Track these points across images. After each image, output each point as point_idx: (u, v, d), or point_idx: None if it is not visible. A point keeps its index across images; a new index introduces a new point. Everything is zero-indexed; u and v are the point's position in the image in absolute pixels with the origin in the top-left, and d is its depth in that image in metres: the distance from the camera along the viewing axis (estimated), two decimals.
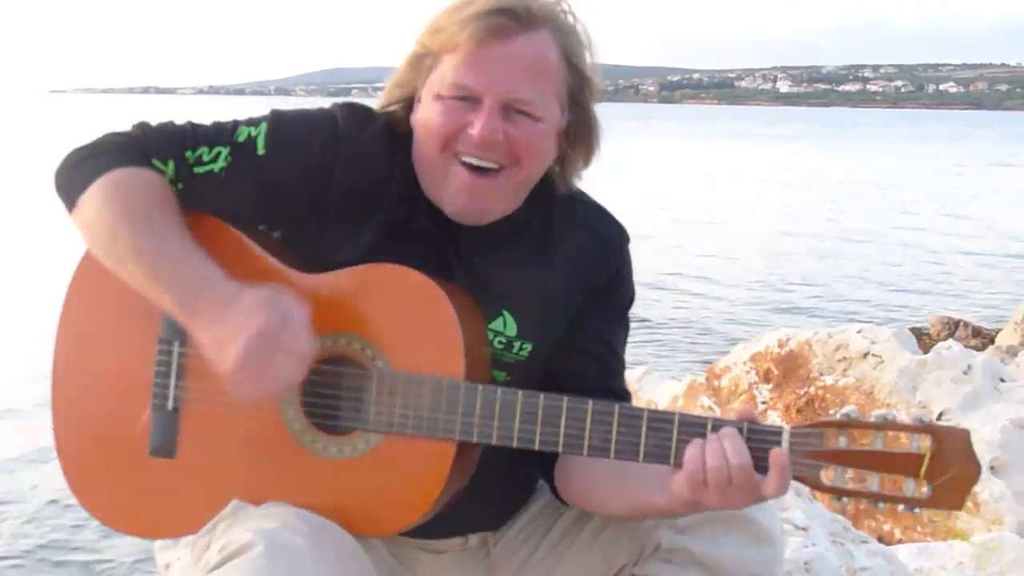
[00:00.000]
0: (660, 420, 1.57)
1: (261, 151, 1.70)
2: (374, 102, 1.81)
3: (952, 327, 9.76)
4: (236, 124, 1.74)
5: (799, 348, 4.51)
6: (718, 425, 1.54)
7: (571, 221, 1.81)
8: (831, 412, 4.28)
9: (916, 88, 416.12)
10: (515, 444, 1.61)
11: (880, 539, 3.60)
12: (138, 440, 1.70)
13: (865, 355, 4.33)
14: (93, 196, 1.64)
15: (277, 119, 1.73)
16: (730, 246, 17.31)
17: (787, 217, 21.94)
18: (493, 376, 1.74)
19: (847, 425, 1.52)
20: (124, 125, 1.75)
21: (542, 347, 1.77)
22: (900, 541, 3.67)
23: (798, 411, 4.39)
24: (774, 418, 4.42)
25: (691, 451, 1.52)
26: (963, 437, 1.49)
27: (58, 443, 1.76)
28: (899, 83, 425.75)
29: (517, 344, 1.76)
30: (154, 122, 1.75)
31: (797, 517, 2.85)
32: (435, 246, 1.73)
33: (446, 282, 1.67)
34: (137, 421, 1.69)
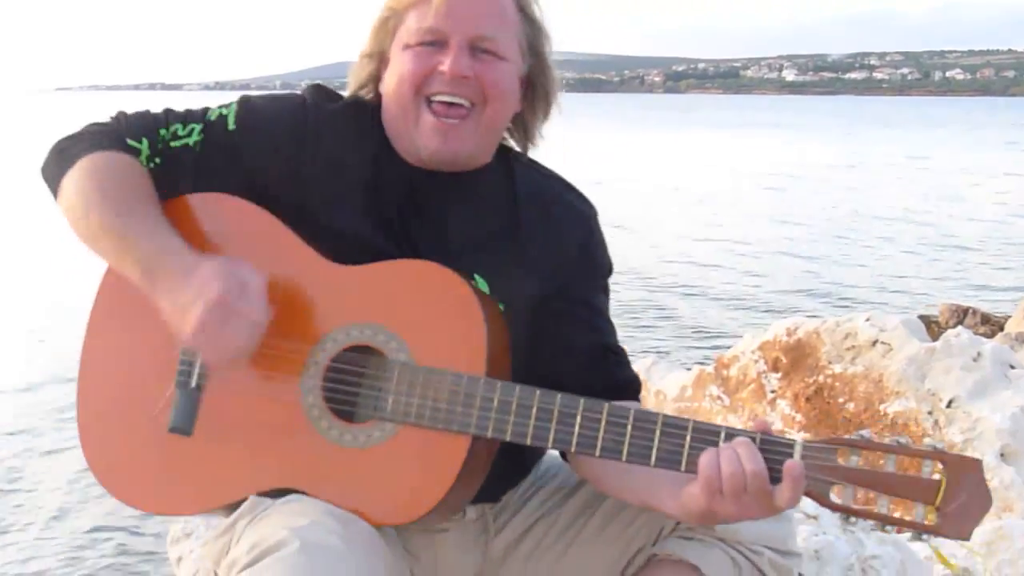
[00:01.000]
0: (674, 426, 1.58)
1: (232, 127, 1.80)
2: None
3: (961, 314, 9.74)
4: (207, 108, 1.85)
5: (807, 337, 4.49)
6: (732, 434, 1.56)
7: (539, 197, 1.88)
8: (841, 401, 4.28)
9: (922, 75, 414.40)
10: (529, 441, 1.62)
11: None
12: (158, 417, 1.72)
13: (874, 343, 4.31)
14: (71, 180, 1.75)
15: (247, 99, 1.86)
16: (739, 234, 17.30)
17: (796, 204, 21.91)
18: None
19: (861, 446, 1.52)
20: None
21: (515, 310, 1.79)
22: None
23: (807, 400, 4.38)
24: (783, 407, 4.41)
25: (706, 458, 1.53)
26: (976, 467, 1.50)
27: (80, 419, 1.80)
28: (905, 71, 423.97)
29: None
30: (130, 110, 1.85)
31: (807, 505, 2.85)
32: (413, 200, 1.79)
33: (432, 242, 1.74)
34: (160, 399, 1.73)
